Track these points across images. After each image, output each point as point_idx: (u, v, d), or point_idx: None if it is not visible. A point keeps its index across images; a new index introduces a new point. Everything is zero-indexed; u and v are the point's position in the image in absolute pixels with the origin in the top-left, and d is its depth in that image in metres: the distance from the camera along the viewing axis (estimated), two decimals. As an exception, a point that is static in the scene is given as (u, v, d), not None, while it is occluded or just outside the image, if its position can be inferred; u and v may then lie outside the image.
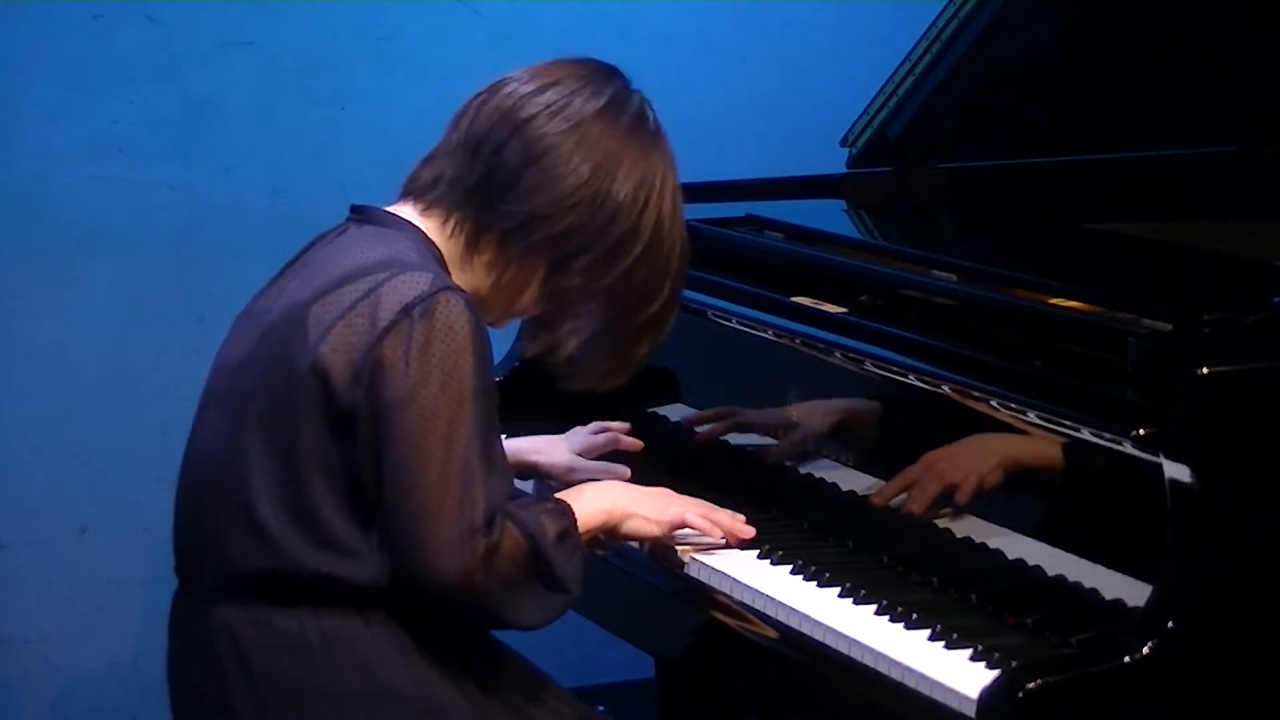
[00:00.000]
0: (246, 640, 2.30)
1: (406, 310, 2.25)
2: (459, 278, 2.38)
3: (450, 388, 2.24)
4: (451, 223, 2.39)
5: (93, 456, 3.70)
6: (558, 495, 2.47)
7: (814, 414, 2.72)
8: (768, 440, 2.81)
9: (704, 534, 2.57)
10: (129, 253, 3.68)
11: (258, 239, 3.69)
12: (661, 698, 3.37)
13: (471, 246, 2.39)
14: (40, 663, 3.73)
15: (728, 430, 2.84)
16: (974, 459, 2.44)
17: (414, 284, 2.27)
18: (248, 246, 3.69)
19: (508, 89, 2.42)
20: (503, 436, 2.62)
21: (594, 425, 2.88)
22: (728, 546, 2.58)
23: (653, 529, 2.54)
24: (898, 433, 2.61)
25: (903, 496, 2.53)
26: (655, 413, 3.01)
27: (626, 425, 2.88)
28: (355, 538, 2.28)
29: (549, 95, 2.39)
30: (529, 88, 2.40)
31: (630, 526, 2.52)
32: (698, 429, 2.89)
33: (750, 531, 2.59)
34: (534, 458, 2.82)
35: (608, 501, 2.51)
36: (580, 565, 2.37)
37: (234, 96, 3.70)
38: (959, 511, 2.46)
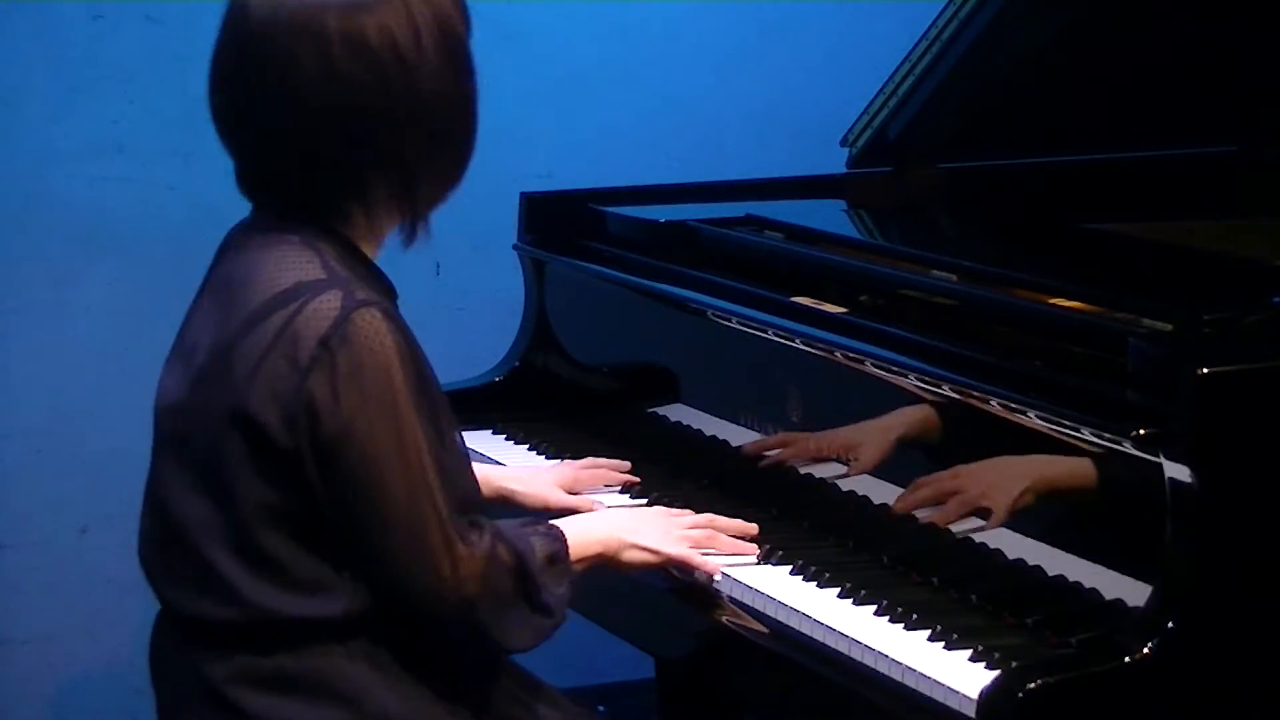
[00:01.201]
0: (228, 683, 2.24)
1: (324, 343, 2.18)
2: (363, 236, 2.30)
3: (387, 411, 2.18)
4: (313, 199, 2.29)
5: (93, 456, 3.70)
6: (554, 521, 2.42)
7: (872, 438, 2.65)
8: (769, 438, 2.80)
9: (707, 570, 2.53)
10: (129, 253, 3.68)
11: (258, 239, 3.69)
12: (661, 698, 3.37)
13: (336, 203, 2.28)
14: (40, 663, 3.73)
15: (791, 458, 2.78)
16: (1003, 483, 2.41)
17: (325, 311, 2.19)
18: (248, 246, 3.69)
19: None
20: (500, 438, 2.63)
21: (586, 460, 2.85)
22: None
23: (651, 560, 2.50)
24: (897, 433, 2.61)
25: (917, 506, 2.53)
26: (655, 413, 3.01)
27: (626, 465, 2.85)
28: (321, 573, 2.22)
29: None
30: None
31: (630, 557, 2.48)
32: (761, 457, 2.83)
33: (753, 549, 2.57)
34: (512, 486, 2.77)
35: (604, 531, 2.47)
36: (568, 592, 2.33)
37: (234, 96, 3.70)
38: (983, 524, 2.45)
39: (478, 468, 2.45)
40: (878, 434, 2.62)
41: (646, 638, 2.86)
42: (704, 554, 2.54)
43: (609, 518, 2.54)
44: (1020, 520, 2.40)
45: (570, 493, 2.77)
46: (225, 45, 2.30)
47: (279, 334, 2.20)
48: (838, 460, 2.68)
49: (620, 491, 2.83)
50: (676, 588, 2.56)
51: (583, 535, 2.42)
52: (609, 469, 2.84)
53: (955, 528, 2.46)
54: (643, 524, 2.53)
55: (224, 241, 2.39)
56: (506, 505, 2.75)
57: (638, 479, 2.84)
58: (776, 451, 2.78)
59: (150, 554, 2.35)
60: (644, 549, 2.49)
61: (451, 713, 2.29)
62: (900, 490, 2.54)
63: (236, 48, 2.29)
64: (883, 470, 2.59)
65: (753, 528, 2.60)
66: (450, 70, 2.29)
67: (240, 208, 3.70)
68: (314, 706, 2.24)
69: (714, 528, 2.57)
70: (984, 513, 2.42)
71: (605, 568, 2.47)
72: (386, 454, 2.19)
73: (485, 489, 2.66)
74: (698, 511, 2.63)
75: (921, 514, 2.51)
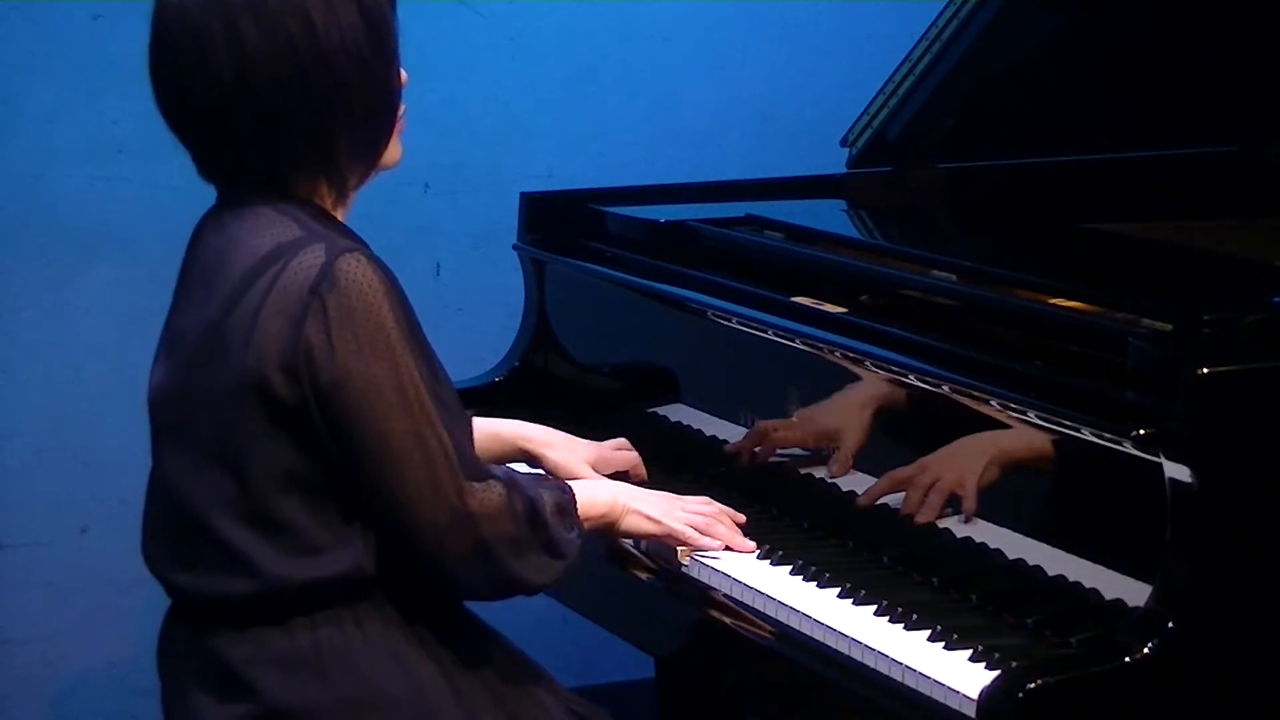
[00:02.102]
0: (242, 662, 2.27)
1: (314, 291, 2.21)
2: (332, 202, 2.33)
3: (380, 350, 2.21)
4: (277, 173, 2.30)
5: (93, 456, 3.70)
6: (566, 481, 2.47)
7: (846, 419, 2.69)
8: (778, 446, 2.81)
9: (702, 547, 2.57)
10: (129, 253, 3.68)
11: (258, 239, 3.69)
12: (661, 698, 3.37)
13: (295, 174, 2.30)
14: (40, 663, 3.73)
15: (770, 451, 2.81)
16: (969, 462, 2.44)
17: (309, 262, 2.23)
18: (248, 246, 3.69)
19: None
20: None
21: (617, 440, 2.86)
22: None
23: (651, 527, 2.55)
24: (898, 433, 2.61)
25: (898, 497, 2.54)
26: (655, 413, 3.01)
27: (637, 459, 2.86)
28: (333, 533, 2.25)
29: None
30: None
31: (629, 523, 2.53)
32: (742, 455, 2.85)
33: (750, 545, 2.59)
34: (542, 449, 2.79)
35: (609, 495, 2.53)
36: (578, 539, 2.37)
37: (234, 96, 3.70)
38: (960, 512, 2.46)
39: (514, 422, 2.61)
40: (856, 418, 2.64)
41: (646, 638, 2.86)
42: (699, 547, 2.57)
43: (615, 485, 2.58)
44: (1020, 520, 2.40)
45: (597, 469, 2.80)
46: (153, 39, 2.32)
47: (267, 294, 2.23)
48: (820, 450, 2.69)
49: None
50: (676, 588, 2.56)
51: (590, 494, 2.47)
52: (636, 461, 2.85)
53: (955, 528, 2.46)
54: (648, 496, 2.58)
55: (195, 231, 2.40)
56: (532, 464, 2.79)
57: (644, 476, 2.85)
58: (759, 448, 2.79)
59: (158, 547, 2.36)
60: (645, 517, 2.54)
61: (454, 694, 2.31)
62: (901, 490, 2.54)
63: (158, 36, 2.30)
64: (883, 470, 2.59)
65: (739, 517, 2.62)
66: (365, 37, 2.30)
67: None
68: (324, 681, 2.26)
69: (711, 532, 2.59)
70: (955, 496, 2.44)
71: (607, 531, 2.52)
72: (385, 392, 2.22)
73: (517, 442, 2.78)
74: (698, 511, 2.64)
75: (894, 503, 2.52)
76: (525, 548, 2.30)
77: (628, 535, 2.57)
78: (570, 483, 2.47)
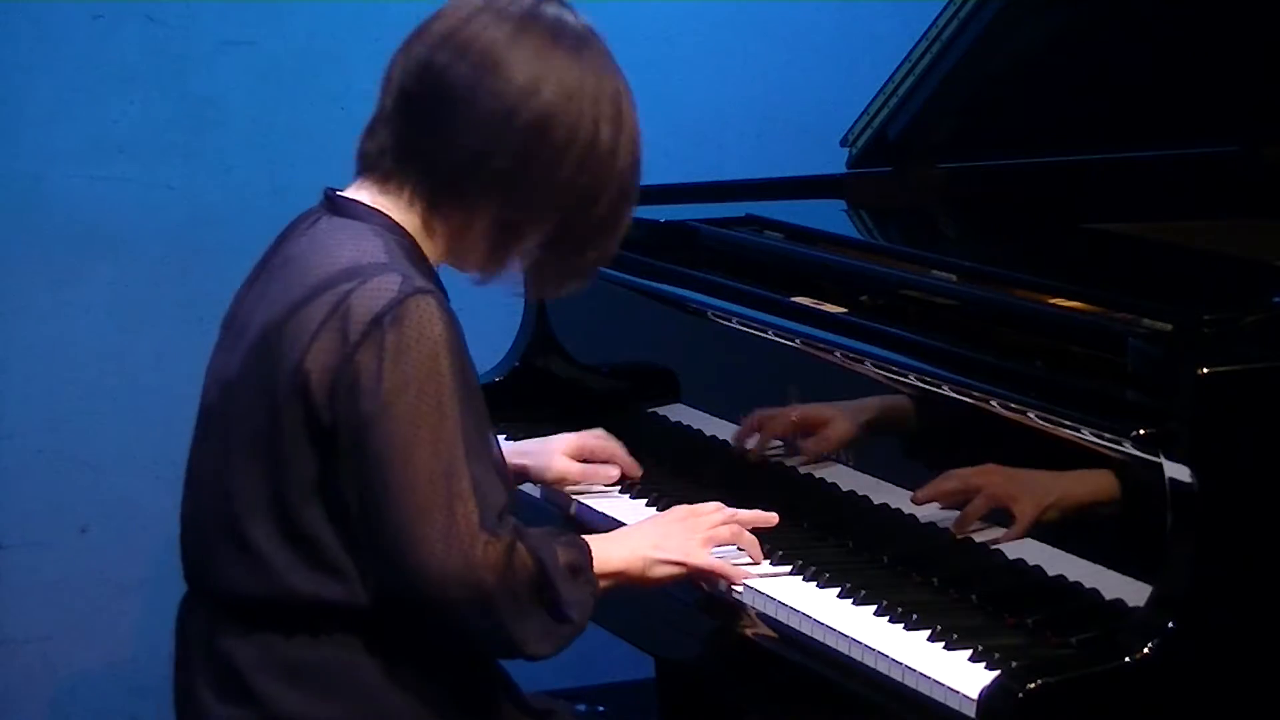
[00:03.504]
0: (248, 665, 2.27)
1: (377, 321, 2.21)
2: (431, 249, 2.34)
3: (428, 394, 2.21)
4: (406, 193, 2.33)
5: (93, 456, 3.70)
6: (583, 537, 2.40)
7: (838, 420, 2.69)
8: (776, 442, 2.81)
9: (733, 578, 2.51)
10: (129, 253, 3.68)
11: (258, 239, 3.66)
12: (661, 698, 3.37)
13: (433, 207, 2.33)
14: (40, 663, 3.73)
15: (768, 440, 2.80)
16: (1032, 496, 2.39)
17: (382, 290, 2.23)
18: (248, 246, 3.66)
19: (419, 41, 2.34)
20: (501, 438, 2.62)
21: (595, 431, 2.83)
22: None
23: (680, 574, 2.47)
24: (898, 433, 2.61)
25: (898, 498, 2.53)
26: (655, 413, 3.01)
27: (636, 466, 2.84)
28: (349, 559, 2.25)
29: (459, 37, 2.31)
30: (438, 35, 2.32)
31: (657, 573, 2.45)
32: (744, 446, 2.84)
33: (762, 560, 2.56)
34: (520, 460, 2.77)
35: (628, 549, 2.44)
36: (590, 600, 2.33)
37: (234, 96, 3.70)
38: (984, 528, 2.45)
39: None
40: (848, 415, 2.64)
41: (646, 638, 2.86)
42: (734, 563, 2.52)
43: (632, 535, 2.50)
44: (1018, 518, 2.40)
45: (580, 459, 2.78)
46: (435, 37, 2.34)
47: (334, 308, 2.23)
48: (803, 438, 2.69)
49: (621, 491, 2.83)
50: (676, 588, 2.56)
51: (606, 552, 2.40)
52: (617, 449, 2.82)
53: (943, 524, 2.46)
54: (667, 536, 2.49)
55: (290, 224, 2.42)
56: (519, 478, 2.75)
57: (638, 469, 2.83)
58: (755, 439, 2.78)
59: (189, 534, 2.37)
60: (671, 563, 2.46)
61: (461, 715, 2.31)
62: (901, 490, 2.55)
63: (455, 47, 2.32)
64: (883, 470, 2.59)
65: (772, 517, 2.57)
66: (631, 179, 2.37)
67: (240, 208, 3.73)
68: (328, 696, 2.26)
69: (737, 522, 2.54)
70: (1006, 520, 2.41)
71: (632, 585, 2.45)
72: (419, 439, 2.20)
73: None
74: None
75: (936, 516, 2.51)
76: (528, 607, 2.27)
77: (658, 584, 2.48)
78: (589, 539, 2.40)
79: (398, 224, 2.33)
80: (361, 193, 2.37)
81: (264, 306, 2.32)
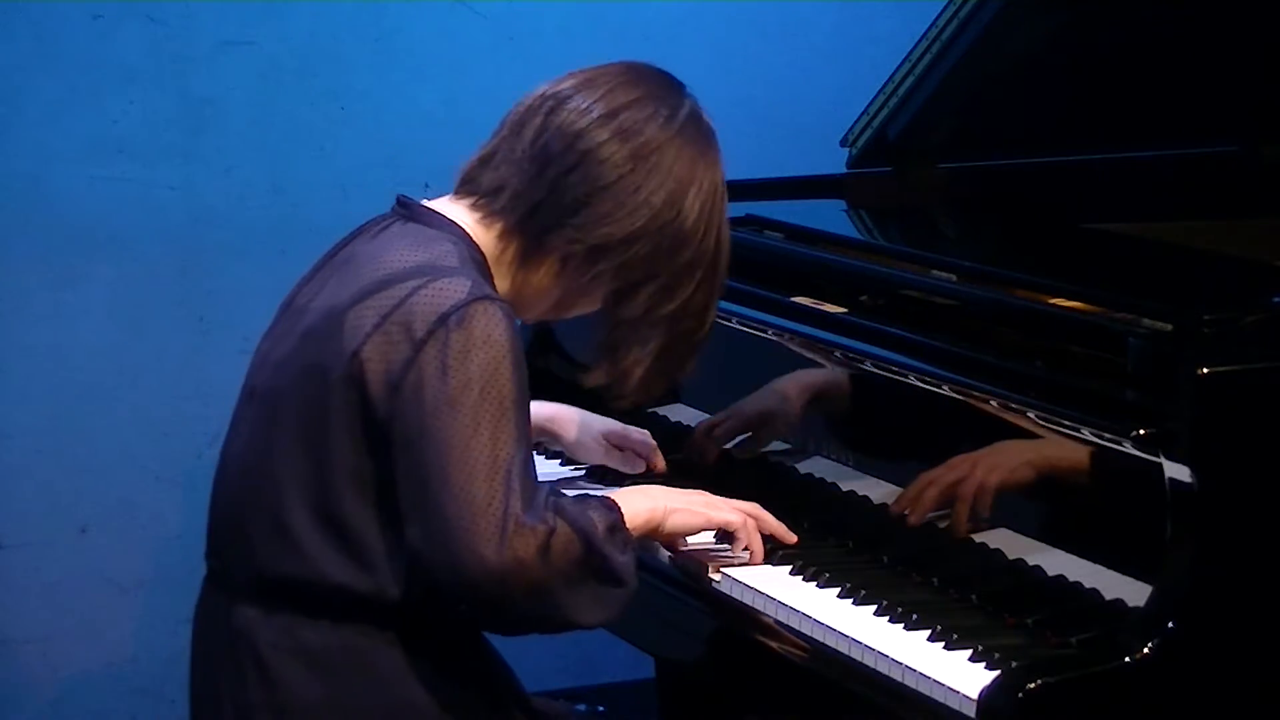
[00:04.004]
0: (267, 645, 2.28)
1: (443, 319, 2.22)
2: (501, 281, 2.36)
3: (490, 395, 2.21)
4: (507, 235, 2.35)
5: (93, 456, 3.70)
6: (605, 493, 2.43)
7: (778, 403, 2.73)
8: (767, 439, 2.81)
9: (737, 550, 2.53)
10: (129, 253, 3.68)
11: (258, 239, 3.69)
12: (661, 698, 3.37)
13: (526, 260, 2.36)
14: (40, 663, 3.73)
15: (732, 431, 2.83)
16: (989, 473, 2.42)
17: (451, 291, 2.23)
18: (248, 246, 3.69)
19: (575, 103, 2.35)
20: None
21: (644, 431, 2.84)
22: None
23: (698, 522, 2.49)
24: (898, 433, 2.61)
25: (914, 503, 2.54)
26: (655, 413, 3.01)
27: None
28: (383, 551, 2.25)
29: (622, 119, 2.34)
30: (599, 108, 2.34)
31: (675, 521, 2.47)
32: (713, 436, 2.86)
33: (790, 537, 2.57)
34: (556, 428, 2.81)
35: (649, 501, 2.47)
36: (633, 558, 2.34)
37: (234, 96, 3.70)
38: (974, 518, 2.45)
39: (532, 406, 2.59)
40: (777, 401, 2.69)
41: (646, 638, 2.86)
42: (722, 556, 2.54)
43: (650, 490, 2.53)
44: (1020, 520, 2.40)
45: (615, 447, 2.81)
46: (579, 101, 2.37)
47: (401, 303, 2.24)
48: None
49: (621, 491, 2.84)
50: (676, 588, 2.56)
51: (632, 505, 2.42)
52: (655, 452, 2.83)
53: (943, 523, 2.46)
54: (688, 494, 2.52)
55: (360, 226, 2.42)
56: (549, 441, 2.83)
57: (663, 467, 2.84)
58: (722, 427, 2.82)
59: (222, 511, 2.37)
60: (691, 511, 2.48)
61: (484, 709, 2.32)
62: (901, 491, 2.54)
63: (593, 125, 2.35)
64: (883, 470, 2.59)
65: (791, 537, 2.57)
66: (702, 284, 2.39)
67: (240, 208, 3.73)
68: (348, 683, 2.27)
69: (758, 516, 2.54)
70: (972, 503, 2.43)
71: (653, 535, 2.47)
72: (479, 436, 2.21)
73: (537, 424, 2.74)
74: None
75: (936, 515, 2.51)
76: (580, 584, 2.27)
77: (675, 533, 2.50)
78: (612, 494, 2.43)
79: (474, 241, 2.35)
80: (453, 209, 2.37)
81: (326, 294, 2.32)
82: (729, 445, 2.84)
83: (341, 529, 2.26)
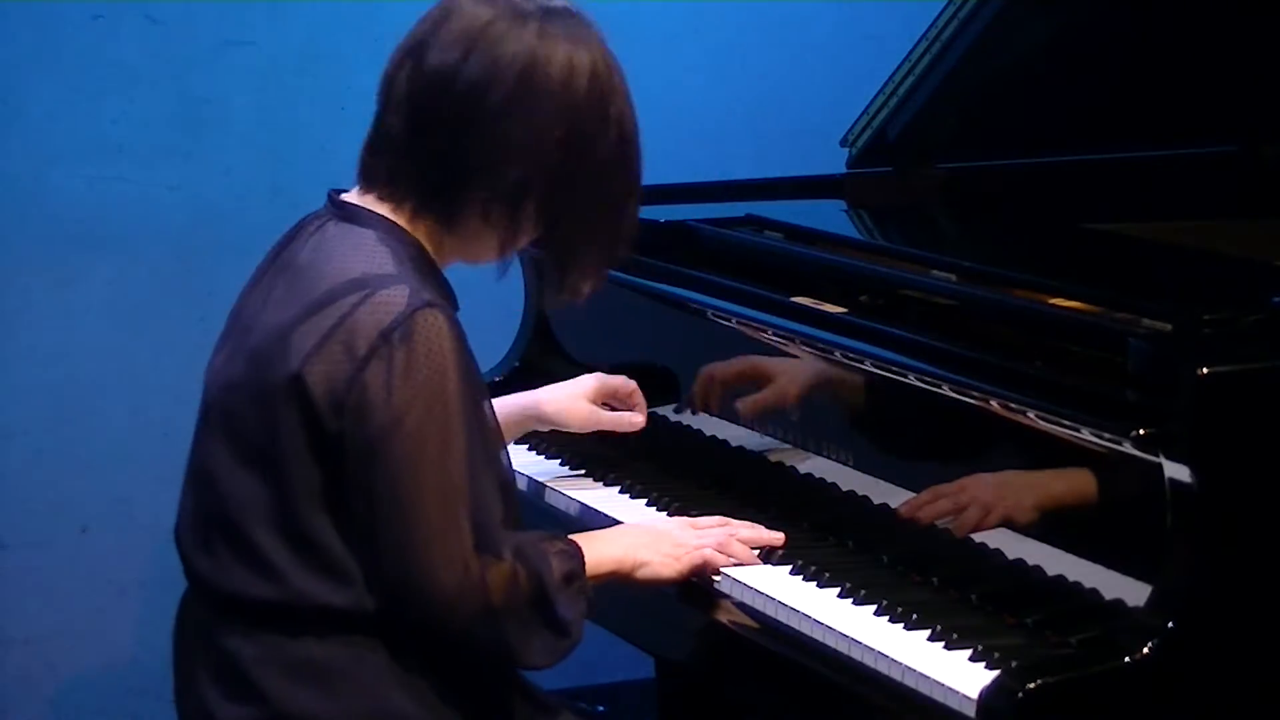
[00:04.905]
0: (250, 659, 2.27)
1: (385, 336, 2.21)
2: (443, 256, 2.35)
3: (436, 411, 2.21)
4: (422, 214, 2.33)
5: (93, 456, 3.70)
6: (571, 537, 2.41)
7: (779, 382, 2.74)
8: (767, 437, 2.81)
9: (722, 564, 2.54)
10: (129, 253, 3.68)
11: (258, 239, 3.65)
12: (661, 698, 3.37)
13: (453, 227, 2.33)
14: (40, 663, 3.73)
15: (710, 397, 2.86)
16: (1017, 497, 2.41)
17: (390, 304, 2.22)
18: (248, 246, 3.65)
19: (434, 52, 2.31)
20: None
21: (621, 378, 2.87)
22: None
23: (670, 573, 2.50)
24: (898, 433, 2.61)
25: (897, 498, 2.53)
26: (655, 412, 3.01)
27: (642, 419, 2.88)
28: (356, 563, 2.25)
29: (481, 48, 2.29)
30: (455, 50, 2.29)
31: (646, 573, 2.48)
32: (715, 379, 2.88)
33: (778, 538, 2.58)
34: (537, 412, 2.82)
35: (619, 550, 2.47)
36: (584, 610, 2.34)
37: (234, 96, 3.70)
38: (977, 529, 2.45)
39: (511, 396, 2.65)
40: (791, 382, 2.70)
41: (646, 638, 2.86)
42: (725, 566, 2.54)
43: (623, 538, 2.52)
44: (1020, 520, 2.40)
45: (606, 406, 2.84)
46: (442, 42, 2.32)
47: (340, 321, 2.23)
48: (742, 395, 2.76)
49: (620, 491, 2.84)
50: (676, 588, 2.56)
51: (598, 555, 2.42)
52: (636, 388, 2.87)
53: (943, 524, 2.46)
54: (657, 539, 2.52)
55: (297, 225, 2.41)
56: (541, 424, 2.85)
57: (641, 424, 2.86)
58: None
59: (188, 531, 2.36)
60: (660, 563, 2.49)
61: (468, 714, 2.31)
62: (901, 490, 2.54)
63: (457, 58, 2.30)
64: (883, 470, 2.59)
65: (778, 536, 2.58)
66: (622, 163, 2.36)
67: (240, 208, 3.73)
68: (334, 694, 2.26)
69: (728, 530, 2.56)
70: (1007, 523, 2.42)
71: (622, 583, 2.47)
72: (426, 456, 2.21)
73: (520, 417, 2.80)
74: (699, 514, 2.64)
75: (898, 506, 2.52)
76: (529, 624, 2.28)
77: (649, 585, 2.50)
78: (581, 537, 2.42)
79: (406, 231, 2.33)
80: (366, 198, 2.36)
81: (269, 312, 2.31)
82: (719, 408, 2.84)
83: (312, 547, 2.24)
